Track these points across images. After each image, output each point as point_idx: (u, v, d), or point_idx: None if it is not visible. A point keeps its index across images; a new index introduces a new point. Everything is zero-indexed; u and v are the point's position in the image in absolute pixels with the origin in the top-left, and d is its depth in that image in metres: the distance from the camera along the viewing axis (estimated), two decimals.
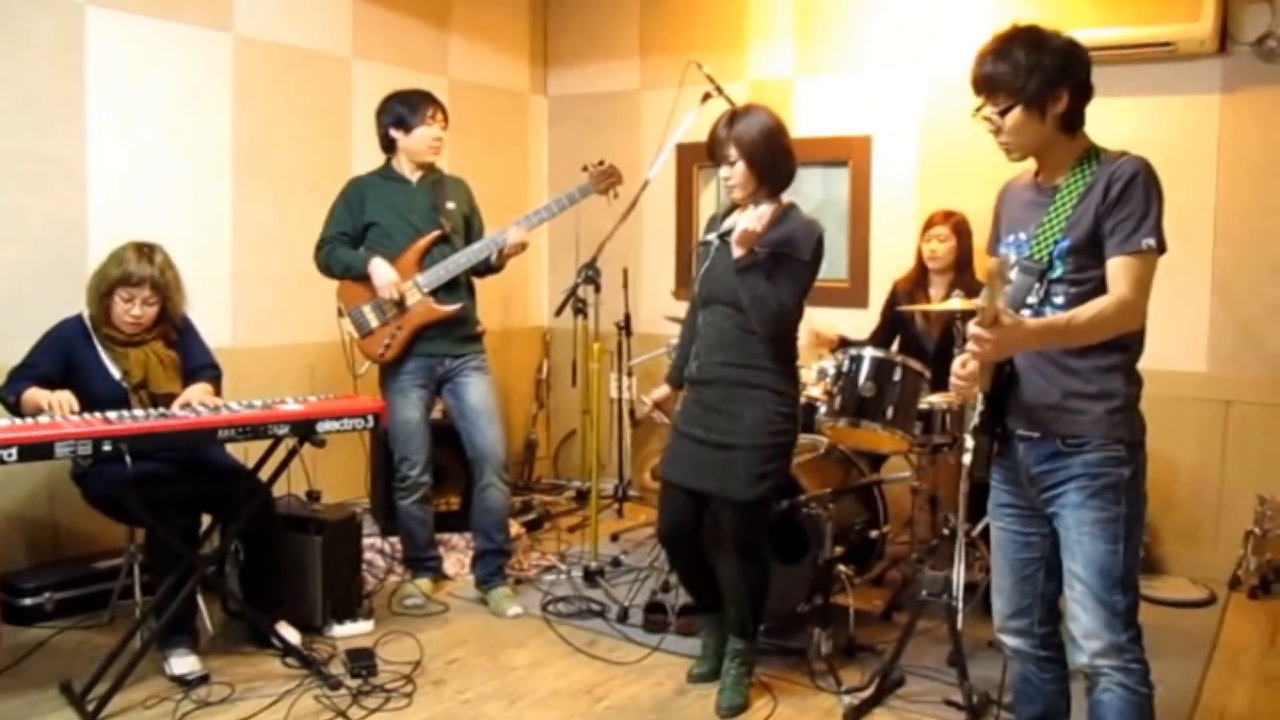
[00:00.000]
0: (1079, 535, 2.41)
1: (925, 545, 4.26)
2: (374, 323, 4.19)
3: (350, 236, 4.24)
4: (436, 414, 4.42)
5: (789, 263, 3.22)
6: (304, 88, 5.16)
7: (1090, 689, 2.46)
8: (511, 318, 6.35)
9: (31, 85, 4.14)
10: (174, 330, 3.77)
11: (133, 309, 3.60)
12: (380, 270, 4.12)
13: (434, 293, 4.16)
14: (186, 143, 4.68)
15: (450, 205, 4.27)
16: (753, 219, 3.16)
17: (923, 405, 4.00)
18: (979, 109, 2.49)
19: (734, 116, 3.29)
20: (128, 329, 3.63)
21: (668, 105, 4.73)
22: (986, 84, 2.46)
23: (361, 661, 3.56)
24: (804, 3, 5.62)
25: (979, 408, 2.53)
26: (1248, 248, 4.62)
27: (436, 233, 4.20)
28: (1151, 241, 2.34)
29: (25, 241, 4.16)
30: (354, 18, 5.37)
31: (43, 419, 3.20)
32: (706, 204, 6.11)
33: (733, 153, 3.24)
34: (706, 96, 4.51)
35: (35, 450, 2.96)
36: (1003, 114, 2.43)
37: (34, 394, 3.40)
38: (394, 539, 4.58)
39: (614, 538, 5.21)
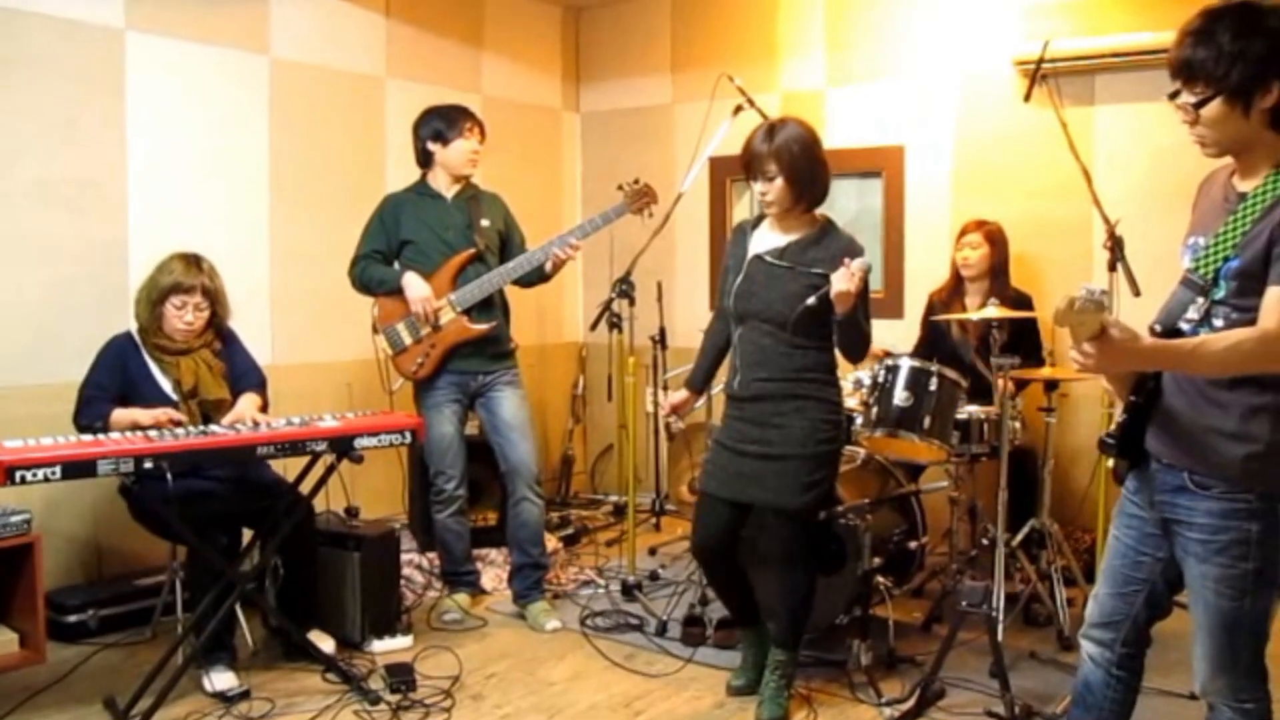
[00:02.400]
0: (1201, 587, 2.28)
1: (964, 556, 4.22)
2: (408, 340, 4.22)
3: (385, 254, 4.27)
4: (471, 429, 4.43)
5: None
6: (339, 108, 5.22)
7: (1209, 710, 2.39)
8: (547, 334, 6.37)
9: (73, 109, 4.22)
10: (219, 339, 3.84)
11: (185, 315, 3.68)
12: (414, 284, 4.14)
13: (467, 311, 4.18)
14: (225, 163, 4.75)
15: (485, 222, 4.29)
16: (847, 281, 3.09)
17: (960, 415, 3.96)
18: (1175, 94, 2.24)
19: (772, 130, 3.24)
20: (179, 336, 3.70)
21: (700, 119, 4.73)
22: (1184, 69, 2.19)
23: (400, 676, 3.58)
24: (834, 14, 5.62)
25: (1118, 418, 2.38)
26: None
27: (471, 251, 4.22)
28: None
29: (67, 263, 4.23)
30: (388, 38, 5.43)
31: (86, 438, 3.24)
32: (741, 215, 6.11)
33: (772, 167, 3.19)
34: (738, 109, 4.52)
35: (78, 468, 3.00)
36: (1199, 105, 2.18)
37: (120, 414, 3.49)
38: (432, 554, 4.61)
39: (652, 551, 5.20)
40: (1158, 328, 2.30)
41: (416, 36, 5.58)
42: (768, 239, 3.36)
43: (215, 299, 3.76)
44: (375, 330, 4.28)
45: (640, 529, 5.29)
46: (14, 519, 3.58)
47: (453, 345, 4.20)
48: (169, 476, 3.11)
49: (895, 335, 5.12)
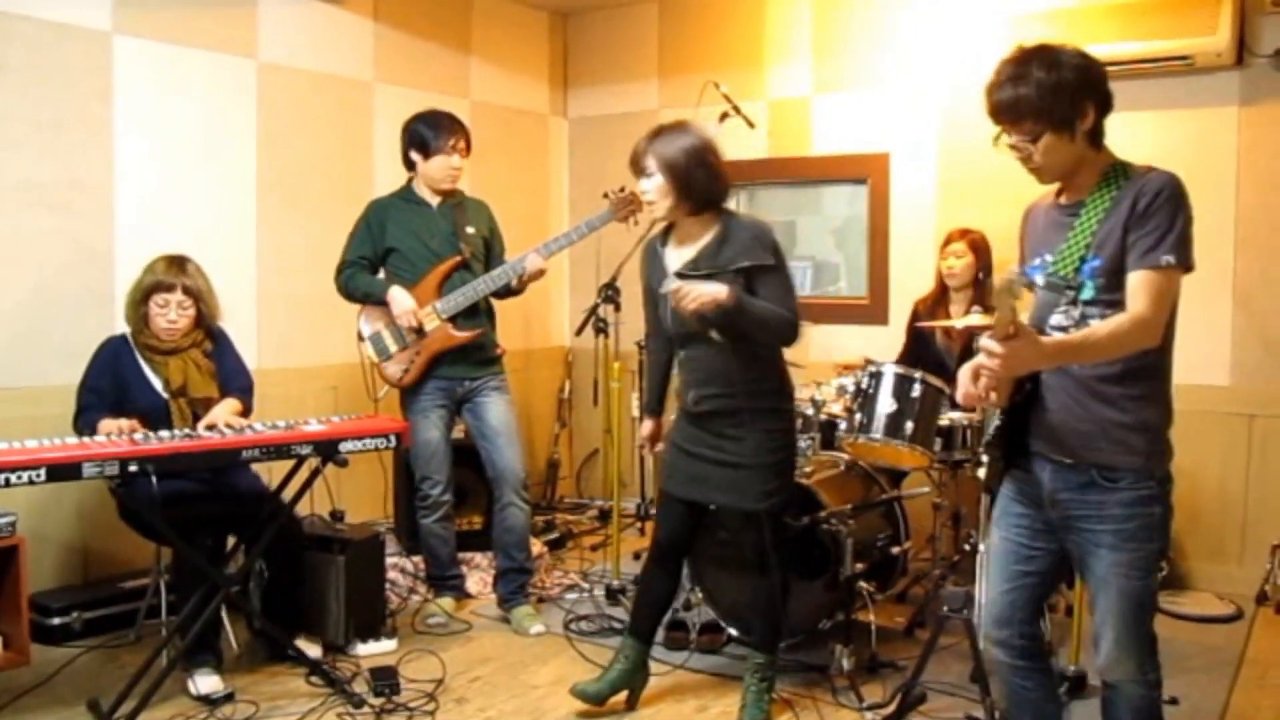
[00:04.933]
0: (1114, 575, 2.39)
1: (947, 561, 4.25)
2: (393, 348, 4.22)
3: (371, 261, 4.28)
4: (457, 434, 4.44)
5: (761, 272, 3.17)
6: (327, 112, 5.23)
7: (1106, 687, 2.52)
8: (533, 338, 6.39)
9: (60, 112, 4.22)
10: (209, 339, 3.84)
11: (168, 314, 3.70)
12: (399, 299, 4.15)
13: (453, 319, 4.19)
14: (212, 168, 4.75)
15: (470, 230, 4.29)
16: (682, 301, 3.07)
17: (943, 421, 3.99)
18: (999, 137, 2.42)
19: (658, 131, 3.25)
20: (164, 335, 3.72)
21: None
22: (1009, 111, 2.37)
23: (384, 680, 3.58)
24: (821, 22, 5.65)
25: (995, 422, 2.50)
26: (1269, 260, 4.61)
27: (456, 258, 4.23)
28: (1172, 258, 2.27)
29: (53, 266, 4.22)
30: (376, 42, 5.44)
31: (70, 440, 3.25)
32: None
33: (651, 164, 3.19)
34: (724, 116, 4.55)
35: (63, 471, 3.01)
36: (1034, 140, 2.36)
37: (103, 425, 3.49)
38: (417, 558, 4.61)
39: (636, 556, 5.20)
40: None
41: (404, 41, 5.59)
42: (678, 255, 3.31)
43: (199, 298, 3.76)
44: (360, 338, 4.28)
45: (625, 533, 5.29)
46: None
47: (438, 352, 4.20)
48: (154, 479, 3.12)
49: (880, 342, 5.15)
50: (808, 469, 3.97)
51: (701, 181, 3.18)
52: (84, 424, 3.56)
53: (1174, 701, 3.50)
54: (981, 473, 2.66)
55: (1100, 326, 2.28)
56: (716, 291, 3.06)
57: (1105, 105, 2.40)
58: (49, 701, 3.50)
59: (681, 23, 6.15)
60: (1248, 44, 4.55)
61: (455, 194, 4.36)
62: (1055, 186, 2.51)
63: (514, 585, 4.33)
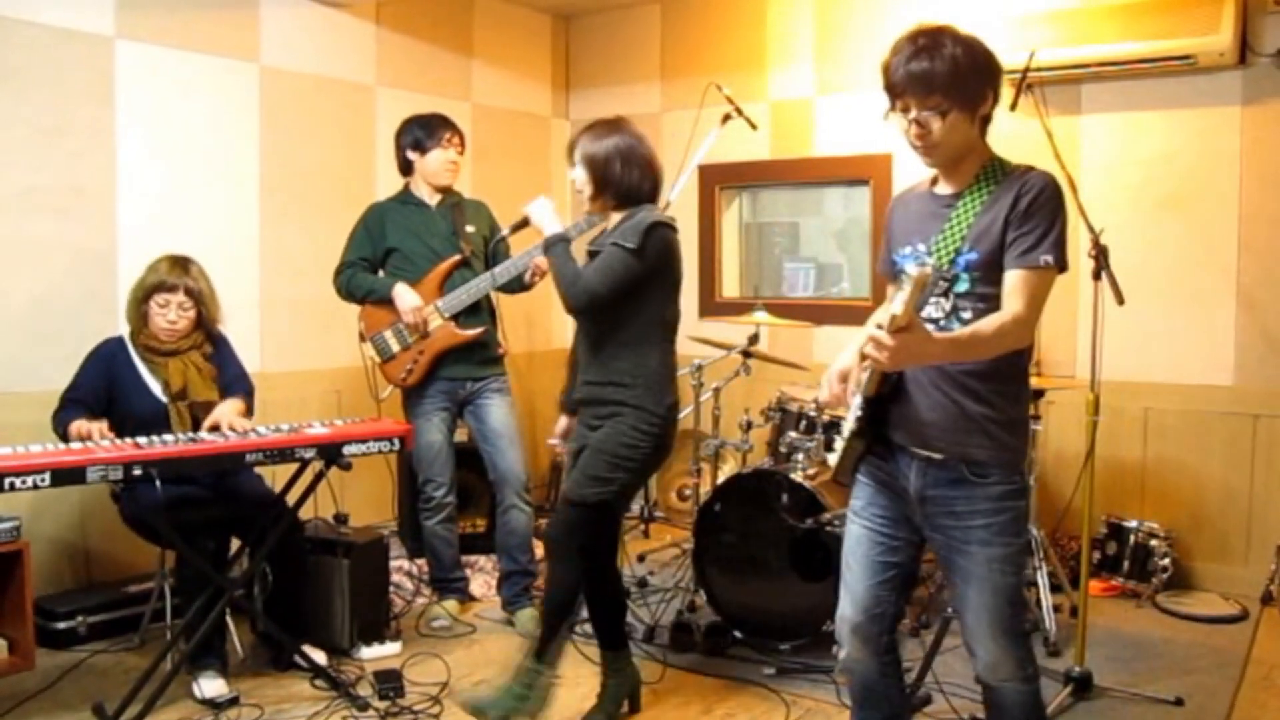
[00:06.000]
0: (988, 571, 2.39)
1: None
2: (396, 348, 4.23)
3: (370, 262, 4.29)
4: (460, 436, 4.44)
5: (610, 249, 3.21)
6: (330, 116, 5.23)
7: (987, 689, 2.53)
8: (535, 340, 6.39)
9: (62, 117, 4.22)
10: (209, 343, 3.84)
11: (168, 314, 3.69)
12: (404, 295, 4.16)
13: (455, 317, 4.20)
14: (214, 172, 4.76)
15: (470, 229, 4.30)
16: (542, 205, 3.42)
17: None
18: (901, 109, 2.39)
19: (590, 126, 3.35)
20: (164, 335, 3.71)
21: (688, 127, 4.77)
22: (921, 82, 2.33)
23: (389, 683, 3.58)
24: (824, 23, 5.65)
25: (856, 413, 2.46)
26: (1273, 260, 4.60)
27: (457, 257, 4.23)
28: (1050, 258, 2.29)
29: (56, 270, 4.23)
30: (378, 46, 5.45)
31: (75, 446, 3.25)
32: (729, 223, 6.14)
33: (575, 157, 3.32)
34: (727, 118, 4.55)
35: (67, 475, 3.00)
36: (943, 115, 2.34)
37: (75, 427, 3.45)
38: (421, 561, 4.61)
39: (640, 558, 5.21)
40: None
41: (407, 44, 5.59)
42: (595, 241, 3.42)
43: (200, 300, 3.76)
44: (362, 338, 4.29)
45: (629, 536, 5.30)
46: (2, 525, 3.60)
47: (441, 352, 4.21)
48: (158, 483, 3.12)
49: None
50: (810, 471, 3.97)
51: (620, 178, 3.27)
52: (57, 423, 3.52)
53: (1179, 702, 3.50)
54: (832, 459, 2.63)
55: (985, 324, 2.28)
56: (540, 212, 3.40)
57: (998, 97, 2.41)
58: (54, 706, 3.50)
59: (683, 25, 6.15)
60: (1250, 43, 4.54)
61: (453, 194, 4.36)
62: (927, 176, 2.51)
63: (518, 588, 4.32)
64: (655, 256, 3.21)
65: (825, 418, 4.21)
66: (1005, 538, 2.39)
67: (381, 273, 4.30)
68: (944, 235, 2.40)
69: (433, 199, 4.32)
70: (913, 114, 2.37)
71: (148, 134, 4.50)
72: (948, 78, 2.31)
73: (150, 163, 4.51)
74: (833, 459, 2.68)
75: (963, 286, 2.38)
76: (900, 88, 2.37)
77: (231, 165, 4.83)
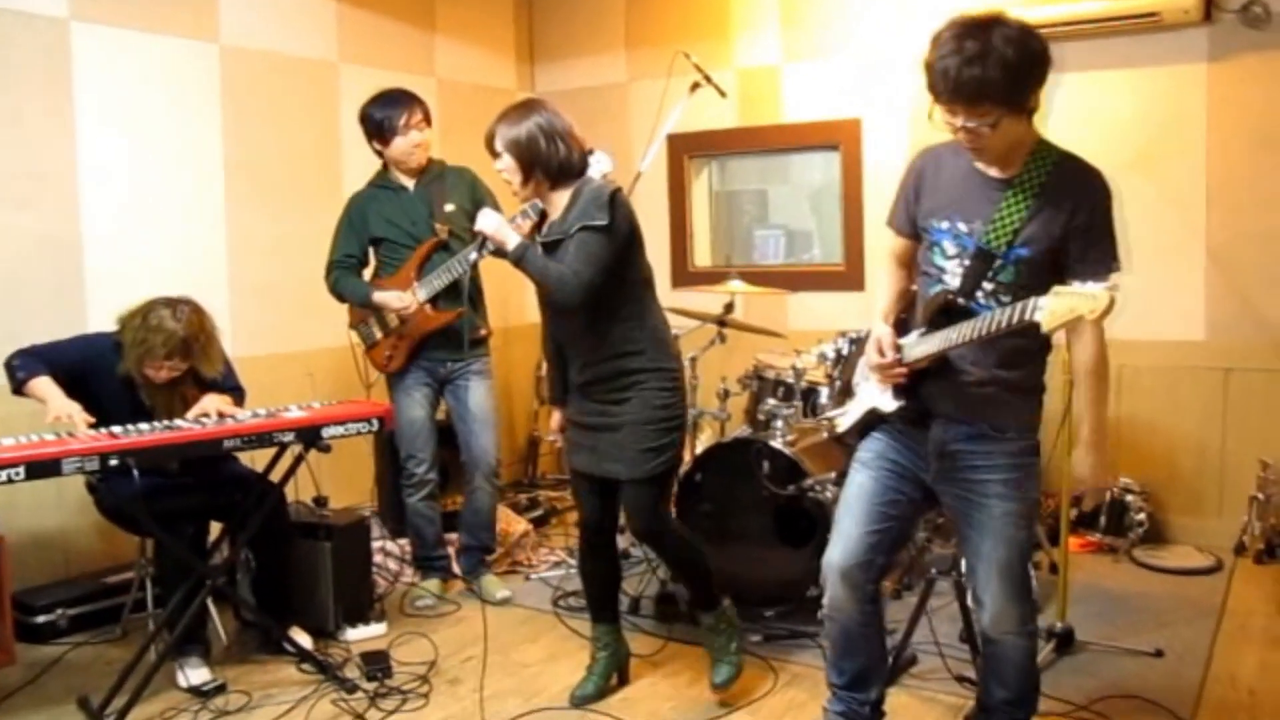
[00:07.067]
0: (1003, 524, 2.48)
1: (932, 524, 4.27)
2: (378, 335, 4.27)
3: (357, 257, 4.28)
4: (441, 415, 4.44)
5: (585, 231, 3.11)
6: (292, 94, 5.16)
7: (987, 643, 2.62)
8: (510, 315, 6.35)
9: (17, 102, 4.13)
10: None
11: (161, 372, 3.51)
12: (387, 301, 4.16)
13: (434, 300, 4.17)
14: (177, 154, 4.68)
15: (449, 207, 4.25)
16: (492, 222, 3.24)
17: None
18: (948, 113, 2.29)
19: (504, 113, 3.24)
20: (159, 382, 3.53)
21: (655, 97, 4.74)
22: (972, 93, 2.20)
23: (376, 664, 3.58)
24: None
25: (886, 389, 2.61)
26: (1241, 215, 4.64)
27: (432, 240, 4.20)
28: (1117, 265, 2.38)
29: (18, 260, 4.15)
30: (339, 22, 5.37)
31: (48, 436, 3.19)
32: (699, 193, 6.12)
33: (498, 146, 3.21)
34: (695, 86, 4.52)
35: (42, 468, 2.97)
36: (994, 125, 2.26)
37: (46, 386, 3.33)
38: (402, 541, 4.61)
39: (621, 531, 5.20)
40: (960, 300, 2.46)
41: (368, 20, 5.51)
42: (546, 230, 3.29)
43: (193, 354, 3.52)
44: (350, 325, 4.33)
45: None
46: None
47: (420, 337, 4.20)
48: (135, 474, 3.08)
49: (857, 308, 5.16)
50: (791, 437, 3.98)
51: (548, 156, 3.18)
52: (16, 368, 3.37)
53: (1159, 654, 3.56)
54: (846, 422, 2.74)
55: (1098, 376, 2.46)
56: (495, 229, 3.22)
57: (1046, 77, 2.31)
58: (38, 700, 3.47)
59: None
60: None
61: (432, 168, 4.31)
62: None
63: (475, 560, 4.43)
64: (625, 223, 3.17)
65: (804, 384, 4.22)
66: (1020, 492, 2.48)
67: (372, 262, 4.28)
68: (996, 224, 2.39)
69: (410, 180, 4.27)
70: (961, 121, 2.29)
71: (107, 118, 4.41)
72: (1001, 86, 2.19)
73: (111, 148, 4.43)
74: (845, 422, 2.72)
75: (1007, 277, 2.40)
76: (949, 97, 2.26)
77: (194, 148, 4.75)
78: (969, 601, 2.98)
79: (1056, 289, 2.12)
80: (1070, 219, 2.34)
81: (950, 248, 2.49)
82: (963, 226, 2.45)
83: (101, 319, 3.75)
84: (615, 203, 3.13)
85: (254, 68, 4.97)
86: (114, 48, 4.42)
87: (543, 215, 3.33)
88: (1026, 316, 2.18)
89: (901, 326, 2.63)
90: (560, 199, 3.22)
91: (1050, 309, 2.11)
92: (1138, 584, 4.33)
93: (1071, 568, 3.77)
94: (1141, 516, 4.64)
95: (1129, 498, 4.67)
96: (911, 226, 2.63)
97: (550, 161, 3.18)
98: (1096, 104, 4.78)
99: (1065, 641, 3.58)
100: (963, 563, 3.40)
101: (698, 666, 3.61)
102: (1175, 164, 4.71)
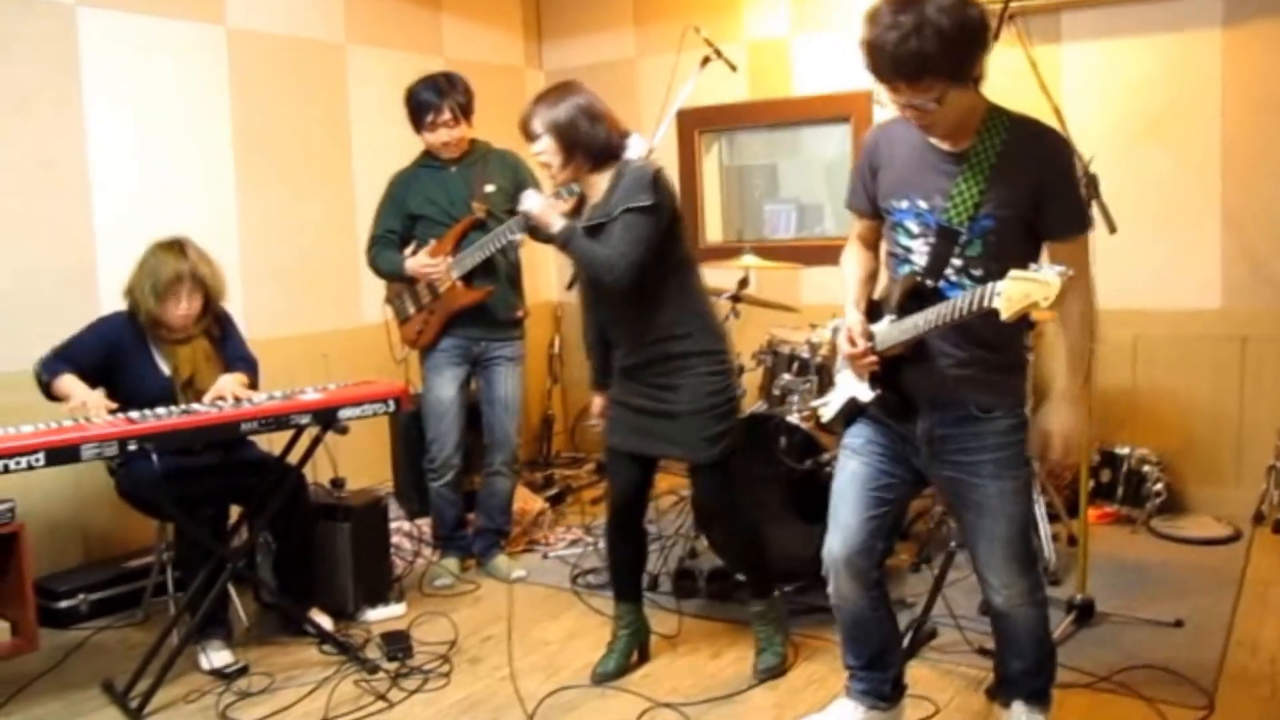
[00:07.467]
0: (1000, 502, 2.47)
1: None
2: (411, 309, 4.29)
3: (398, 233, 4.28)
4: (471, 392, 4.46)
5: (629, 213, 3.08)
6: (300, 76, 5.14)
7: (998, 616, 2.63)
8: (528, 295, 6.33)
9: (25, 89, 4.12)
10: (216, 324, 3.77)
11: (180, 305, 3.58)
12: (419, 265, 4.17)
13: (468, 278, 4.17)
14: (187, 138, 4.67)
15: (490, 188, 4.23)
16: (536, 204, 3.27)
17: None
18: (890, 91, 2.21)
19: (542, 95, 3.23)
20: (178, 324, 3.61)
21: (665, 72, 4.71)
22: (909, 68, 2.11)
23: (397, 644, 3.59)
24: None
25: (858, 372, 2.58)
26: (1257, 181, 4.60)
27: (470, 218, 4.19)
28: (1087, 221, 2.43)
29: (31, 248, 4.15)
30: (345, 3, 5.33)
31: (67, 423, 3.20)
32: (710, 169, 6.09)
33: (537, 128, 3.17)
34: (706, 60, 4.50)
35: (62, 454, 2.98)
36: (939, 100, 2.18)
37: (69, 383, 3.41)
38: (421, 521, 4.63)
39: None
40: (928, 282, 2.42)
41: (375, 1, 5.48)
42: (589, 211, 3.25)
43: (205, 283, 3.63)
44: (386, 300, 4.39)
45: None
46: None
47: (452, 312, 4.21)
48: (154, 458, 3.09)
49: None
50: (806, 412, 3.97)
51: (589, 137, 3.15)
52: (44, 370, 3.45)
53: (1180, 624, 3.55)
54: (829, 411, 2.72)
55: (1069, 331, 2.43)
56: (541, 211, 3.25)
57: (988, 45, 2.22)
58: (61, 686, 3.49)
59: None
60: None
61: (476, 148, 4.30)
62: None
63: (489, 542, 4.45)
64: (669, 203, 3.15)
65: (818, 359, 4.21)
66: (1013, 469, 2.47)
67: (414, 241, 4.25)
68: (955, 200, 2.34)
69: (452, 162, 4.27)
70: (906, 99, 2.22)
71: (116, 103, 4.40)
72: (941, 59, 2.11)
73: (121, 133, 4.42)
74: (828, 412, 2.70)
75: (975, 251, 2.36)
76: (890, 75, 2.18)
77: (204, 132, 4.74)
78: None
79: (1012, 273, 2.10)
80: (1033, 182, 2.29)
81: (914, 226, 2.44)
82: (923, 204, 2.40)
83: (114, 305, 3.75)
84: (659, 183, 3.12)
85: (261, 50, 4.95)
86: (121, 32, 4.41)
87: (580, 199, 3.31)
88: (986, 304, 2.17)
89: (875, 310, 2.58)
90: (600, 181, 3.20)
91: (1007, 294, 2.10)
92: (1156, 554, 4.33)
93: (1089, 539, 3.76)
94: (1159, 487, 4.63)
95: (1146, 468, 4.65)
96: (871, 206, 2.56)
97: (592, 143, 3.16)
98: (1112, 72, 4.74)
99: (1086, 613, 3.57)
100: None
101: (717, 643, 3.62)
102: (1189, 131, 4.67)
